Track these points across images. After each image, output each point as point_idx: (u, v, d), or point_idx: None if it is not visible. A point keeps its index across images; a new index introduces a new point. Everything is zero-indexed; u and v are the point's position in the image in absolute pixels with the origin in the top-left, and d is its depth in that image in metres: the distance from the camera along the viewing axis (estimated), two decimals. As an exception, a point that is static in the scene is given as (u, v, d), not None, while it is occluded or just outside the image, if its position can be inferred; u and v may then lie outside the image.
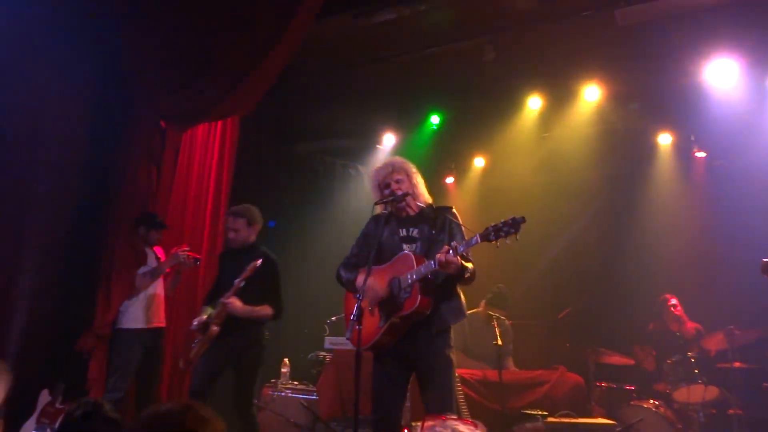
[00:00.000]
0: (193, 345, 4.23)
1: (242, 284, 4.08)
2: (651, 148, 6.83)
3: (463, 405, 4.62)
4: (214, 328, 4.11)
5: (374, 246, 3.26)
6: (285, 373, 5.43)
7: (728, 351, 5.32)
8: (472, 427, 2.45)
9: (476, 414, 4.78)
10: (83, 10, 4.84)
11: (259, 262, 4.08)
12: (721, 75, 5.55)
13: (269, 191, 6.38)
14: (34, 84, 4.66)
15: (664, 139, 6.74)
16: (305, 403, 4.87)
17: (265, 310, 4.24)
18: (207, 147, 5.75)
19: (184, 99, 5.28)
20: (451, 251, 3.02)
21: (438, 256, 3.05)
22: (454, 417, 2.48)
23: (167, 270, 4.81)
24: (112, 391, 4.45)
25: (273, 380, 5.38)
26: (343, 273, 3.49)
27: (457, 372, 4.82)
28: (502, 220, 2.96)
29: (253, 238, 4.43)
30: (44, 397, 4.30)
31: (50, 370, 4.55)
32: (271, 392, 5.18)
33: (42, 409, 4.25)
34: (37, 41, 4.66)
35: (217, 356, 4.15)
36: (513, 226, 2.92)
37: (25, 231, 4.65)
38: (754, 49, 5.32)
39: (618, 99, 6.20)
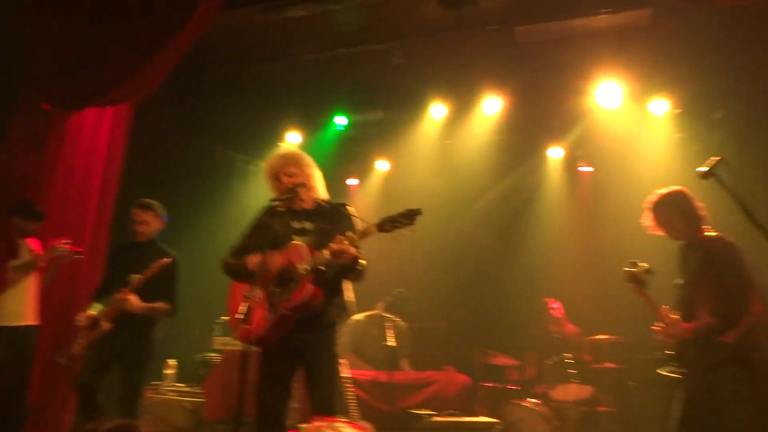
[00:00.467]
0: (78, 340, 4.08)
1: (142, 281, 3.99)
2: (543, 161, 7.20)
3: (354, 406, 4.64)
4: (105, 324, 3.99)
5: (267, 236, 3.19)
6: (169, 375, 5.21)
7: (600, 352, 5.72)
8: (359, 431, 2.45)
9: (366, 415, 4.83)
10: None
11: (169, 260, 4.06)
12: (608, 96, 5.95)
13: (164, 184, 6.09)
14: None
15: (556, 153, 7.13)
16: (189, 406, 4.70)
17: (161, 307, 4.14)
18: (96, 134, 5.40)
19: (72, 82, 4.96)
20: (345, 240, 3.01)
21: (332, 244, 3.02)
22: (343, 419, 2.47)
23: (43, 264, 4.47)
24: None
25: (155, 382, 5.13)
26: (229, 260, 3.39)
27: (349, 373, 4.86)
28: (398, 212, 2.97)
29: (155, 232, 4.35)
30: None
31: None
32: (152, 395, 4.94)
33: None
34: None
35: (104, 351, 4.03)
36: (409, 217, 2.94)
37: None
38: (638, 76, 5.75)
39: (515, 112, 6.47)
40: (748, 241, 3.37)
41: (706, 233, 3.33)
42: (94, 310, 4.10)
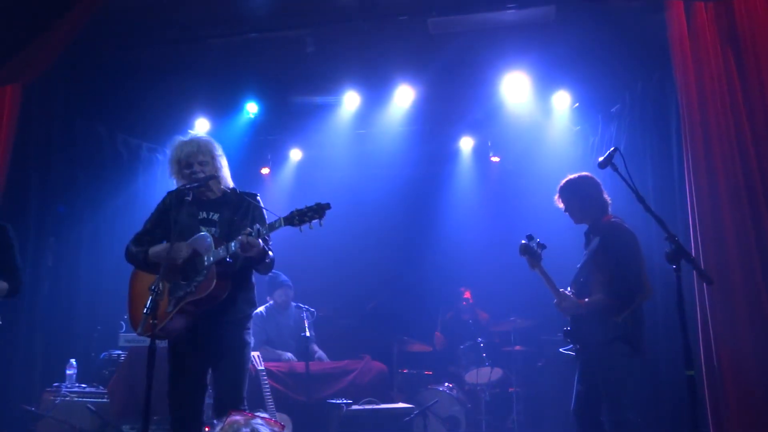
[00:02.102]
0: None
1: None
2: (454, 151, 7.37)
3: (269, 399, 4.57)
4: None
5: (171, 225, 3.07)
6: (70, 375, 4.88)
7: (511, 336, 5.97)
8: (276, 429, 2.39)
9: (283, 406, 4.78)
10: None
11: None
12: (515, 89, 6.17)
13: (61, 171, 5.68)
14: None
15: (466, 143, 7.32)
16: (93, 407, 4.43)
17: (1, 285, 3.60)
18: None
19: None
20: (253, 233, 2.95)
21: (240, 237, 2.97)
22: (262, 416, 2.40)
23: None
24: None
25: (55, 384, 4.80)
26: (133, 248, 3.26)
27: (264, 365, 4.78)
28: (307, 205, 2.96)
29: None
30: None
31: None
32: (52, 397, 4.61)
33: None
34: None
35: None
36: (317, 211, 2.94)
37: None
38: (542, 69, 6.00)
39: (427, 102, 6.56)
40: (638, 223, 3.66)
41: (606, 218, 3.54)
42: None
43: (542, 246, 3.56)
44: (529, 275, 3.63)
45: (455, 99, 6.58)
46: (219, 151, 3.33)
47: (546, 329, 5.92)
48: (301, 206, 2.97)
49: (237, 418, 2.01)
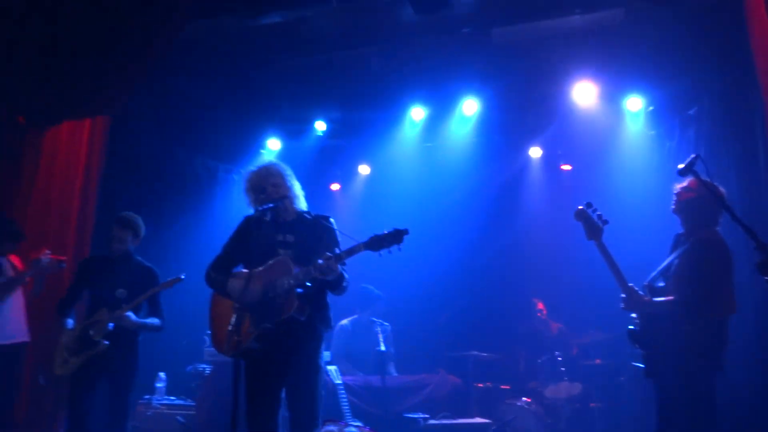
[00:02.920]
0: (62, 361, 3.98)
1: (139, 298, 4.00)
2: (523, 161, 7.28)
3: (348, 412, 4.63)
4: (104, 344, 3.93)
5: (251, 249, 3.18)
6: (160, 388, 5.13)
7: (590, 349, 5.80)
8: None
9: (360, 420, 4.82)
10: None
11: (180, 279, 4.11)
12: (584, 94, 6.05)
13: (146, 195, 6.01)
14: None
15: (535, 153, 7.22)
16: (182, 419, 4.63)
17: (154, 324, 4.18)
18: (73, 146, 5.32)
19: (45, 95, 4.87)
20: (332, 258, 3.03)
21: (319, 262, 3.04)
22: (355, 423, 2.44)
23: (28, 279, 4.38)
24: None
25: (147, 396, 5.06)
26: (213, 273, 3.38)
27: (341, 379, 4.85)
28: (386, 231, 3.03)
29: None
30: None
31: None
32: (144, 410, 4.86)
33: None
34: None
35: (92, 368, 3.95)
36: (396, 237, 3.01)
37: None
38: (612, 73, 5.85)
39: (494, 113, 6.54)
40: (724, 233, 3.43)
41: (708, 230, 3.32)
42: (74, 329, 4.04)
43: (604, 220, 3.28)
44: (609, 286, 3.49)
45: (522, 108, 6.52)
46: (288, 172, 3.44)
47: (627, 343, 5.70)
48: (380, 232, 3.04)
49: (332, 428, 2.06)
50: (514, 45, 5.75)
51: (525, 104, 6.40)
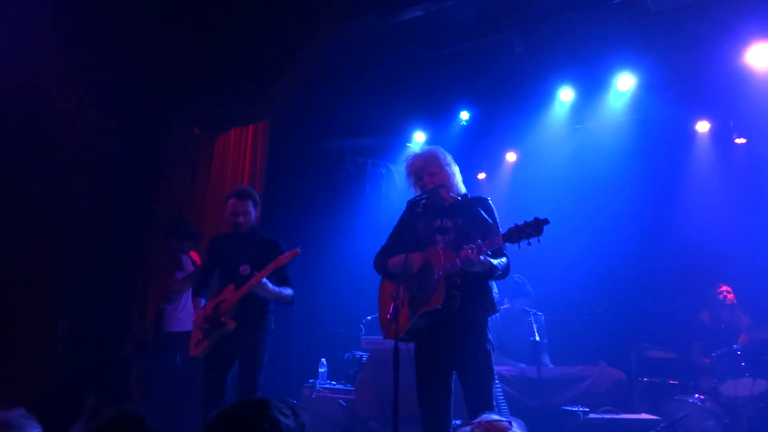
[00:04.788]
0: (196, 342, 3.96)
1: (269, 270, 3.82)
2: (688, 137, 6.64)
3: (503, 403, 4.57)
4: (232, 323, 3.83)
5: (411, 235, 3.28)
6: (322, 373, 5.46)
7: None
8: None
9: (515, 411, 4.73)
10: (118, 18, 4.93)
11: (297, 251, 3.85)
12: (761, 58, 5.36)
13: (301, 191, 6.43)
14: (68, 91, 4.77)
15: (702, 127, 6.55)
16: (344, 403, 4.89)
17: (287, 294, 3.99)
18: (240, 151, 5.83)
19: (216, 105, 5.37)
20: (474, 250, 3.01)
21: (461, 254, 3.03)
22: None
23: None
24: (157, 395, 4.52)
25: (311, 380, 5.42)
26: (378, 259, 3.52)
27: (495, 369, 4.80)
28: (525, 221, 2.93)
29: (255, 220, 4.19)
30: (91, 401, 4.40)
31: (94, 377, 4.64)
32: (309, 393, 5.21)
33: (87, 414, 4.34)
34: (70, 49, 4.74)
35: (226, 350, 3.90)
36: (536, 228, 2.90)
37: (66, 240, 4.76)
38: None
39: (652, 87, 6.04)
40: None
41: None
42: (202, 305, 3.98)
43: None
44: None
45: (685, 80, 5.93)
46: (448, 159, 3.46)
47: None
48: (520, 222, 2.94)
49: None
50: (675, 11, 5.24)
51: (689, 74, 5.82)
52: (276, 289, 3.90)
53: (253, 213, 4.10)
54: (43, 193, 4.55)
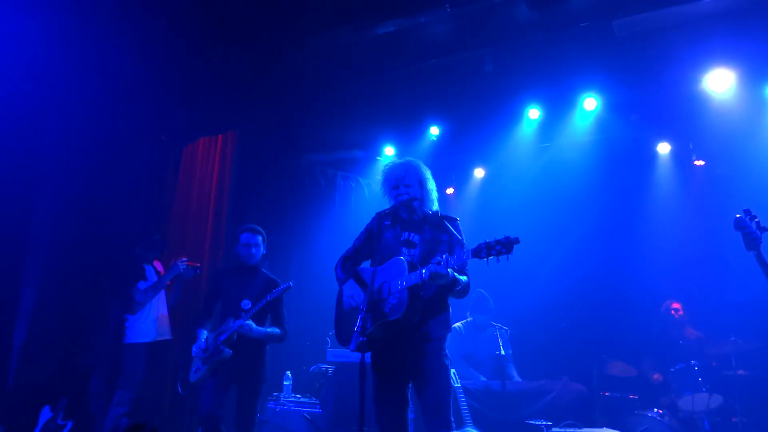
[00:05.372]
0: (194, 369, 4.17)
1: (257, 307, 4.10)
2: (650, 157, 6.85)
3: (468, 416, 4.60)
4: (228, 352, 4.07)
5: (377, 246, 3.28)
6: (287, 386, 5.41)
7: (731, 359, 5.32)
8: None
9: (480, 425, 4.77)
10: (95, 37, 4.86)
11: (289, 286, 4.15)
12: (719, 84, 5.58)
13: (271, 202, 6.38)
14: (38, 98, 4.69)
15: (663, 148, 6.76)
16: (308, 416, 4.85)
17: (276, 333, 4.28)
18: (208, 161, 5.79)
19: (184, 114, 5.34)
20: (441, 263, 3.03)
21: (428, 266, 3.05)
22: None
23: (168, 282, 4.81)
24: (118, 405, 4.44)
25: (275, 393, 5.35)
26: (340, 272, 3.49)
27: (460, 383, 4.83)
28: (495, 238, 2.95)
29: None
30: (46, 413, 4.28)
31: (52, 385, 4.53)
32: (273, 405, 5.15)
33: (44, 425, 4.23)
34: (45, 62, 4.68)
35: (221, 375, 4.10)
36: (506, 246, 2.92)
37: (28, 245, 4.66)
38: (752, 59, 5.35)
39: (616, 108, 6.21)
40: None
41: None
42: (204, 337, 4.20)
43: (762, 228, 3.01)
44: (752, 290, 3.21)
45: (648, 102, 6.14)
46: (427, 174, 3.46)
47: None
48: (490, 238, 2.96)
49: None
50: (639, 35, 5.42)
51: (651, 96, 6.02)
52: (261, 330, 4.17)
53: (262, 248, 4.40)
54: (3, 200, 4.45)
